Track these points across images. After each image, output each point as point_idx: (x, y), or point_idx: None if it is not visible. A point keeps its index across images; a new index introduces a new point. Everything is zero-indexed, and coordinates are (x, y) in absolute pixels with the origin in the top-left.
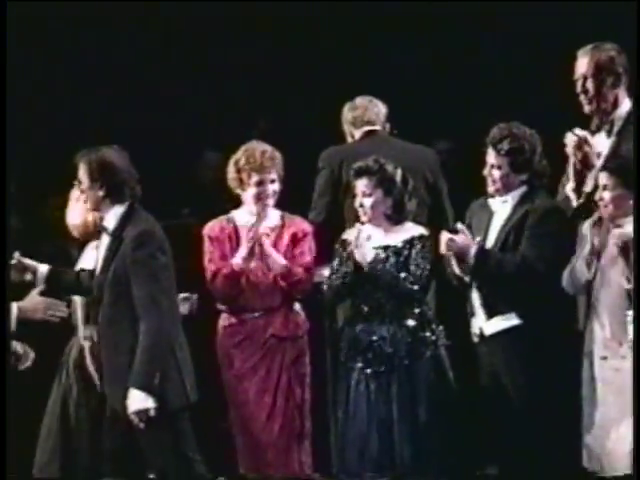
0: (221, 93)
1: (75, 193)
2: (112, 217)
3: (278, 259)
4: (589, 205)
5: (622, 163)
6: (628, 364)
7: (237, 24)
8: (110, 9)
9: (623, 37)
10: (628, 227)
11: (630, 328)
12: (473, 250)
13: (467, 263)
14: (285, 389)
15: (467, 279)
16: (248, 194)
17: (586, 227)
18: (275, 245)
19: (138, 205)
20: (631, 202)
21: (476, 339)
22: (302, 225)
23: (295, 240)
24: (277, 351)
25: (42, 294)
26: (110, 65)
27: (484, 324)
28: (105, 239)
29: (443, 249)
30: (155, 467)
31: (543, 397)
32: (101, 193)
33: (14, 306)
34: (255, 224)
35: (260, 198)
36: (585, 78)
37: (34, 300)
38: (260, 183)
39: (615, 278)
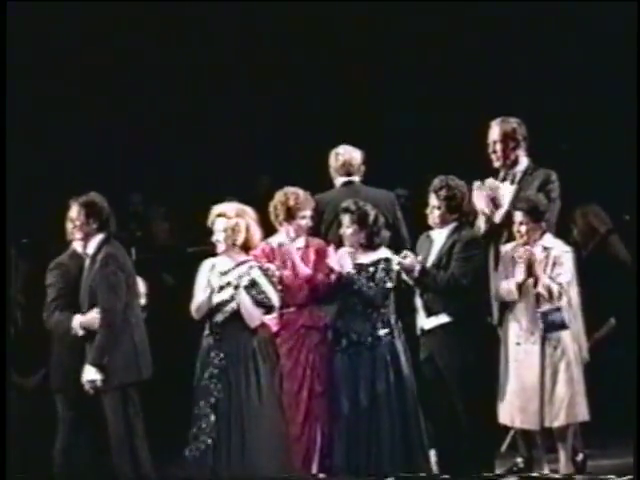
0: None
1: None
2: (93, 244)
3: (303, 269)
4: (498, 231)
5: (530, 206)
6: (537, 347)
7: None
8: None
9: (623, 37)
10: (538, 248)
11: (541, 321)
12: (417, 268)
13: (413, 277)
14: (312, 364)
15: (414, 287)
16: (290, 225)
17: (506, 251)
18: (303, 259)
19: (111, 235)
20: (539, 232)
21: (419, 332)
22: (322, 244)
23: (317, 255)
24: (306, 336)
25: None
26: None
27: (424, 321)
28: (87, 262)
29: (395, 267)
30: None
31: (469, 375)
32: (94, 226)
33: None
34: (287, 244)
35: (299, 228)
36: (495, 142)
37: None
38: (303, 217)
39: (529, 286)
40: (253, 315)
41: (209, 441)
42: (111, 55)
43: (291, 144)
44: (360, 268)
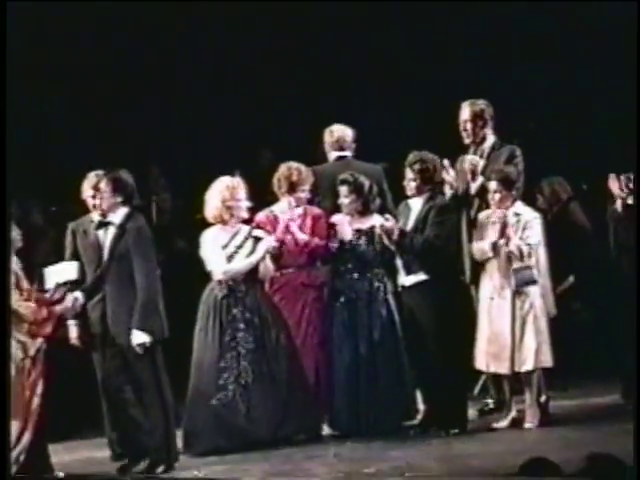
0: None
1: None
2: (118, 216)
3: (300, 235)
4: (468, 200)
5: (502, 176)
6: (508, 301)
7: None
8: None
9: (623, 37)
10: (510, 214)
11: (513, 277)
12: (396, 231)
13: (393, 239)
14: (308, 318)
15: (393, 249)
16: (291, 196)
17: (482, 217)
18: (302, 226)
19: (135, 209)
20: (511, 199)
21: (400, 289)
22: (317, 211)
23: (314, 221)
24: (304, 293)
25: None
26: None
27: (404, 279)
28: (111, 230)
29: (378, 230)
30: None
31: (444, 326)
32: (119, 199)
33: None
34: (289, 213)
35: (299, 199)
36: (465, 121)
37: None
38: (303, 190)
39: (502, 247)
40: (269, 268)
41: (238, 389)
42: (110, 29)
43: (290, 121)
44: (359, 233)
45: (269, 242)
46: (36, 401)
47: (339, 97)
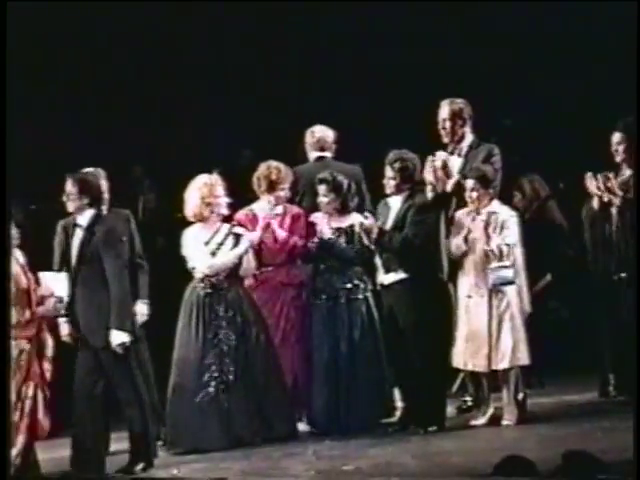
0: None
1: None
2: (85, 218)
3: (280, 233)
4: (447, 198)
5: (479, 174)
6: (485, 300)
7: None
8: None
9: (623, 37)
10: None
11: (490, 276)
12: (375, 230)
13: (372, 238)
14: (286, 317)
15: (372, 248)
16: (270, 195)
17: (460, 215)
18: (281, 224)
19: (101, 211)
20: (488, 198)
21: (379, 287)
22: (297, 210)
23: (294, 220)
24: (282, 291)
25: None
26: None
27: (383, 277)
28: (78, 232)
29: (358, 229)
30: (124, 393)
31: (422, 324)
32: (85, 201)
33: None
34: (268, 212)
35: (279, 198)
36: (444, 120)
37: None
38: (282, 189)
39: (479, 246)
40: (252, 266)
41: (221, 386)
42: (94, 29)
43: (274, 121)
44: (339, 232)
45: (252, 236)
46: (28, 403)
47: (321, 97)
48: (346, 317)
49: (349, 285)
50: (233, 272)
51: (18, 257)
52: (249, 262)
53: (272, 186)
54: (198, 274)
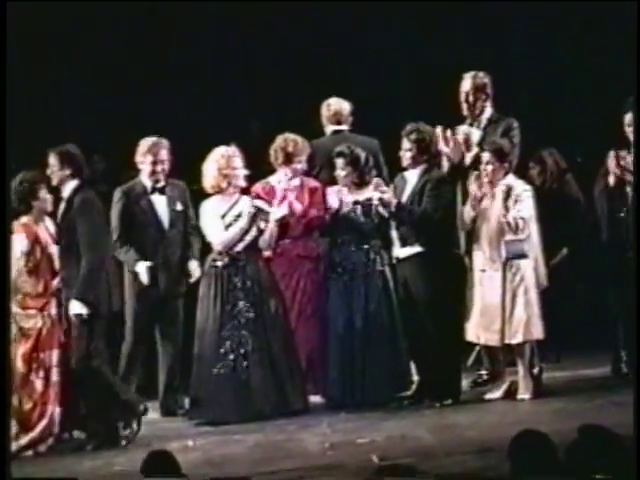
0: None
1: None
2: (67, 189)
3: (297, 205)
4: (464, 172)
5: (496, 148)
6: (499, 274)
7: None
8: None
9: (623, 37)
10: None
11: (503, 249)
12: (393, 203)
13: (390, 211)
14: (303, 290)
15: (390, 221)
16: (287, 167)
17: (474, 187)
18: (298, 197)
19: (84, 182)
20: (503, 172)
21: (395, 261)
22: (314, 183)
23: (311, 193)
24: (299, 264)
25: None
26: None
27: (399, 251)
28: (62, 205)
29: (376, 202)
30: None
31: (438, 298)
32: (67, 172)
33: None
34: (285, 184)
35: (295, 170)
36: (467, 93)
37: None
38: (299, 162)
39: (493, 217)
40: (273, 238)
41: (239, 358)
42: (95, 13)
43: (285, 92)
44: (356, 205)
45: (281, 210)
46: (55, 371)
47: (336, 70)
48: (362, 291)
49: (366, 259)
50: (252, 244)
51: (48, 225)
52: (271, 235)
53: (289, 158)
54: (215, 247)
